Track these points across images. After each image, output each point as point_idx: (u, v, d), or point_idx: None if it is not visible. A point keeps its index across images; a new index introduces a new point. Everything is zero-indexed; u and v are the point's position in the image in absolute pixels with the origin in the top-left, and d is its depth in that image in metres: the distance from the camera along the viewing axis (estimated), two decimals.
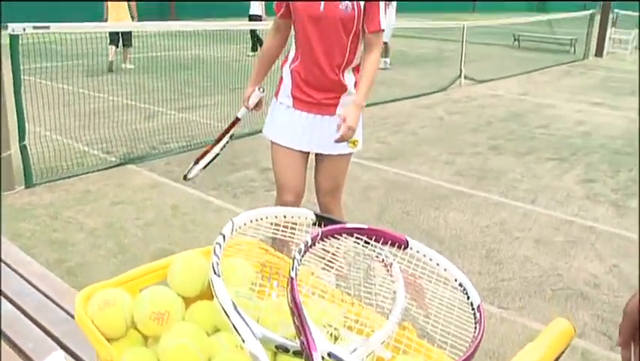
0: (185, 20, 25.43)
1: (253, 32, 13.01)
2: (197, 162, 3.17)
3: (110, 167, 5.39)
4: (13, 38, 4.73)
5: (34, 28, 4.81)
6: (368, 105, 8.70)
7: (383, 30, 2.68)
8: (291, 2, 2.73)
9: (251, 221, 1.15)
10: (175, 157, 5.71)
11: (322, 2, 2.62)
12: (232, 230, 1.06)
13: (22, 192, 4.79)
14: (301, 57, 2.75)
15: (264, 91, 2.94)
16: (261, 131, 6.48)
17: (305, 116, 2.76)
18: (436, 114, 8.09)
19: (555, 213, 4.71)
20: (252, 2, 13.98)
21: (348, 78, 2.75)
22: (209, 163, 3.20)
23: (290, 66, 2.78)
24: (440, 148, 6.41)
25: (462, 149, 6.41)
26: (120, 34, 10.79)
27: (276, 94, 2.86)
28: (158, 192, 4.81)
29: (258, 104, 2.95)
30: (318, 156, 2.84)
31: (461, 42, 10.72)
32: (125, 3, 11.16)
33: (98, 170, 5.30)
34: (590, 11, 17.72)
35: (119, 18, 11.05)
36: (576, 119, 8.20)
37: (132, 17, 11.29)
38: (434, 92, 9.62)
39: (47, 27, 4.90)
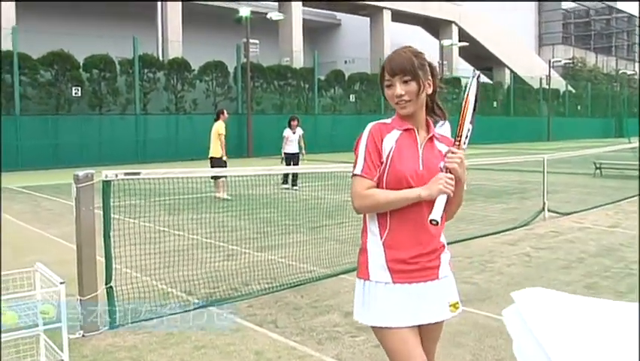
0: (261, 157, 26.50)
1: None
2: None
3: (192, 309, 5.35)
4: (106, 184, 4.93)
5: (126, 174, 5.01)
6: (450, 243, 8.45)
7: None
8: (387, 165, 2.49)
9: None
10: (257, 300, 5.63)
11: (420, 162, 2.49)
12: None
13: (105, 334, 4.78)
14: (397, 222, 2.49)
15: None
16: (343, 273, 6.50)
17: (407, 289, 2.49)
18: (521, 251, 7.79)
19: None
20: (288, 141, 14.82)
21: (444, 239, 2.64)
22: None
23: (381, 239, 2.51)
24: (531, 288, 6.08)
25: (554, 288, 6.03)
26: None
27: (364, 274, 2.54)
28: (241, 336, 4.69)
29: None
30: (422, 325, 2.59)
31: (542, 174, 10.54)
32: (218, 140, 13.03)
33: (181, 312, 5.27)
34: None
35: (213, 154, 13.09)
36: None
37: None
38: (517, 228, 9.34)
39: (138, 173, 5.10)
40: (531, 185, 13.82)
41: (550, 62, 51.37)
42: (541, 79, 48.58)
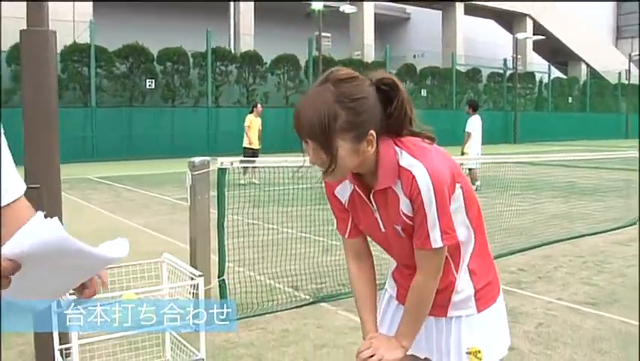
0: None
1: None
2: None
3: (303, 305, 5.14)
4: (221, 172, 4.75)
5: (241, 162, 4.83)
6: (557, 241, 7.96)
7: (433, 249, 1.87)
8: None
9: None
10: None
11: (380, 224, 1.99)
12: None
13: None
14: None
15: None
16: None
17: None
18: (637, 251, 7.28)
19: None
20: None
21: (460, 276, 2.05)
22: None
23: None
24: None
25: None
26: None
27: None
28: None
29: None
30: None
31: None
32: (257, 131, 14.31)
33: (291, 308, 5.06)
34: None
35: (251, 142, 14.22)
36: None
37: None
38: (625, 226, 8.78)
39: (253, 161, 4.92)
40: (624, 183, 13.09)
41: (630, 55, 49.24)
42: (620, 74, 46.63)
